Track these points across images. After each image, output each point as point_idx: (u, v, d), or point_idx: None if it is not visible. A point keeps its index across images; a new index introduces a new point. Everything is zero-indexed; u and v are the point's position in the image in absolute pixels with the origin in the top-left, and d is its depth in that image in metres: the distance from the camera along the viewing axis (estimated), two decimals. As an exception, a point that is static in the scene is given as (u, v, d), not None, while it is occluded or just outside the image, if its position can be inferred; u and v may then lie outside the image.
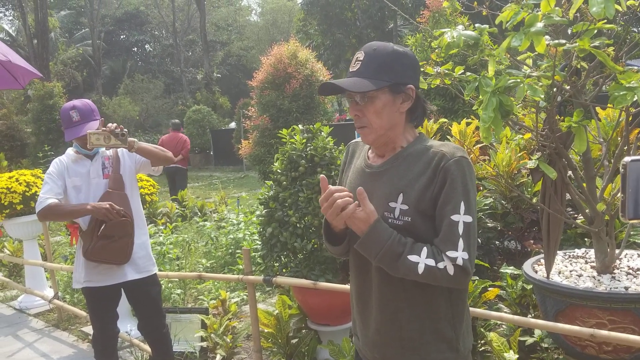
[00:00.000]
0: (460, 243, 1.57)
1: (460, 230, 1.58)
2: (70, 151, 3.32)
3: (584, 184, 2.92)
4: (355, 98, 1.68)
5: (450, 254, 1.57)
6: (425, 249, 1.59)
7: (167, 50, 41.73)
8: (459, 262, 1.56)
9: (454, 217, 1.58)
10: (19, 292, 6.41)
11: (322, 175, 1.64)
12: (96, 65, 34.98)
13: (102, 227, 3.09)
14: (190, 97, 33.51)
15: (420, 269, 1.57)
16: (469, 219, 1.59)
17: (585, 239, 4.14)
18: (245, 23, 43.94)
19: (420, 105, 1.75)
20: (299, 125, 4.00)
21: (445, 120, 3.93)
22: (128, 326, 4.69)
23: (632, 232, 3.83)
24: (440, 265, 1.57)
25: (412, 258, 1.58)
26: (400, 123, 1.72)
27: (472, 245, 1.59)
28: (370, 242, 1.61)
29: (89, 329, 5.00)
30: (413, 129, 1.78)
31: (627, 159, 1.43)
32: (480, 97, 2.34)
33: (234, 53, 41.05)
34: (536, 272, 3.05)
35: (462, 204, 1.59)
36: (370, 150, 1.84)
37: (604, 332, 2.47)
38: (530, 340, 3.45)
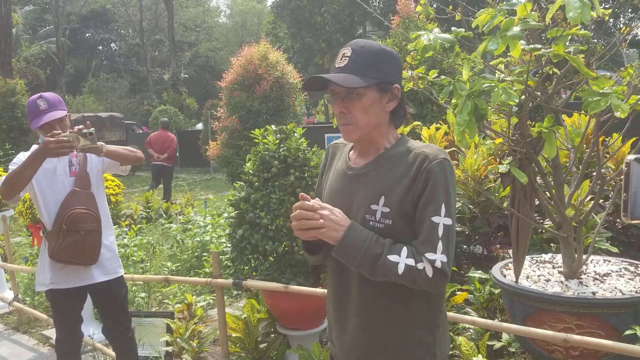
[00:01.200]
0: (440, 245, 1.55)
1: (440, 232, 1.55)
2: (35, 147, 3.21)
3: (553, 190, 2.96)
4: (340, 94, 1.64)
5: (429, 255, 1.54)
6: (405, 249, 1.56)
7: (134, 49, 41.17)
8: (438, 264, 1.54)
9: (435, 219, 1.56)
10: (-23, 294, 6.21)
11: (301, 193, 1.60)
12: (60, 63, 34.31)
13: (67, 221, 2.99)
14: (156, 97, 33.14)
15: (400, 269, 1.53)
16: (449, 221, 1.57)
17: (552, 244, 4.19)
18: (213, 24, 43.70)
19: (403, 106, 1.73)
20: (272, 126, 3.95)
21: (419, 123, 3.94)
22: (91, 330, 4.57)
23: (597, 239, 3.89)
24: (420, 266, 1.54)
25: (392, 258, 1.54)
26: (384, 123, 1.69)
27: (450, 248, 1.57)
28: (348, 247, 1.57)
29: (49, 332, 4.86)
30: (395, 131, 1.75)
31: (630, 157, 1.38)
32: (455, 100, 2.34)
33: (201, 54, 40.76)
34: (505, 276, 3.07)
35: (443, 206, 1.56)
36: (351, 152, 1.80)
37: (577, 337, 2.49)
38: (498, 344, 3.47)
